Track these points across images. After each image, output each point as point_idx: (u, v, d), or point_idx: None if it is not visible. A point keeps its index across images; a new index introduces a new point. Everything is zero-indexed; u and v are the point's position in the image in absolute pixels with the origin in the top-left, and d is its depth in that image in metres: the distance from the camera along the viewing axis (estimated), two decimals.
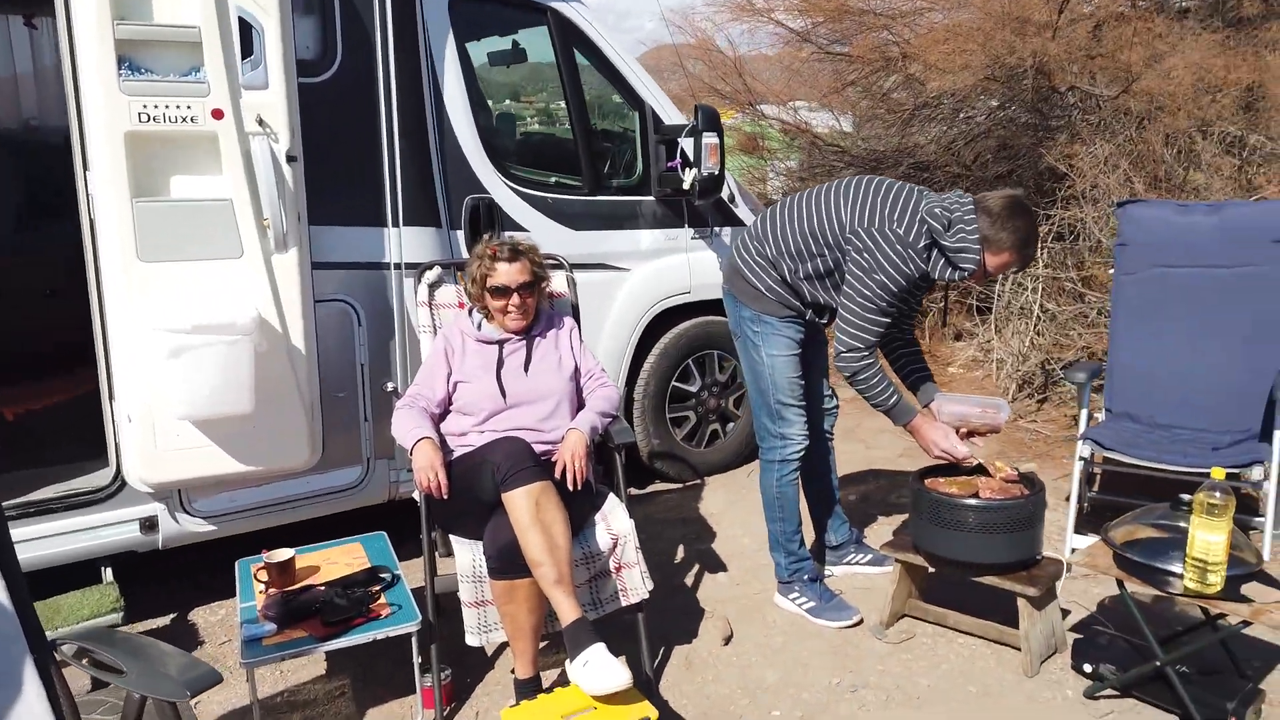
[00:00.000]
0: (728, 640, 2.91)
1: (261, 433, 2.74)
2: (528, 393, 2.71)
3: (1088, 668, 2.56)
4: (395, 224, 3.26)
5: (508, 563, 2.37)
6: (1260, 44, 5.11)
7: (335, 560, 2.79)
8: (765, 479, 3.01)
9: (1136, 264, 3.61)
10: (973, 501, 2.61)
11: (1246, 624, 2.22)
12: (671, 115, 4.14)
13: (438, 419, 2.70)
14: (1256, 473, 2.95)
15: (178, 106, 2.54)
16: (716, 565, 3.45)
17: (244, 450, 2.76)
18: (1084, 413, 3.48)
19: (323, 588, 2.56)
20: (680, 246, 4.18)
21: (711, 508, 4.01)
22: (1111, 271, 3.88)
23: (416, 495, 2.62)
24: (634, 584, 2.61)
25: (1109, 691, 2.50)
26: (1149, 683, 2.43)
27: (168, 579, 3.29)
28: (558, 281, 3.08)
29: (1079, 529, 3.31)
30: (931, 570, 2.79)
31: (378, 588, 2.58)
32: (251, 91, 2.61)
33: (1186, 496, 2.51)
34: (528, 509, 2.33)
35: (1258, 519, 3.16)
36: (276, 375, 2.71)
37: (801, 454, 2.95)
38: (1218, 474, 2.26)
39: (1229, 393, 3.39)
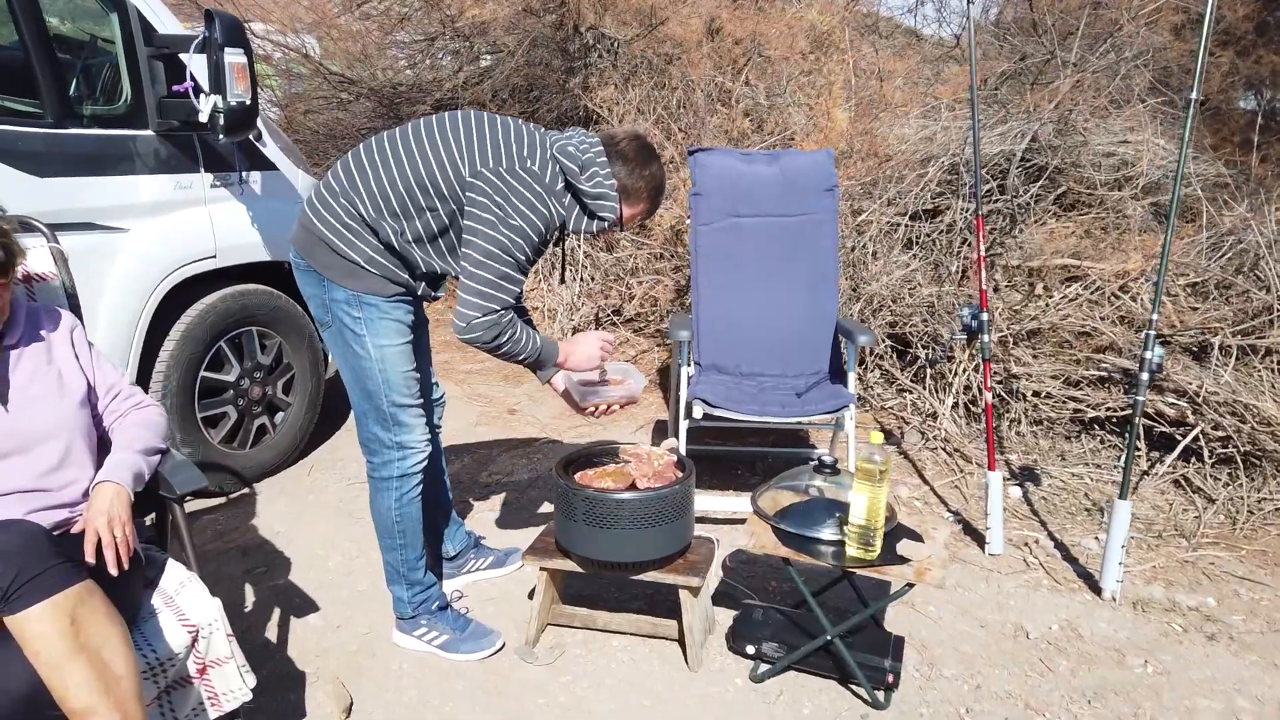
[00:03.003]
0: (349, 710, 2.28)
1: None
2: (15, 436, 1.77)
3: (750, 649, 2.44)
4: None
5: (25, 717, 1.49)
6: None
7: None
8: (380, 501, 2.37)
9: (712, 214, 3.59)
10: (633, 496, 2.29)
11: (910, 586, 2.23)
12: (166, 23, 3.12)
13: None
14: (847, 416, 3.09)
15: None
16: (305, 605, 2.74)
17: None
18: (685, 371, 3.39)
19: None
20: (197, 197, 3.23)
21: (276, 524, 3.23)
22: (687, 222, 3.84)
23: None
24: (229, 685, 1.86)
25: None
26: (809, 654, 2.38)
27: None
28: (38, 258, 2.08)
29: None
30: (582, 573, 2.46)
31: None
32: None
33: (829, 458, 2.49)
34: (61, 633, 1.47)
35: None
36: None
37: (425, 464, 2.37)
38: (876, 438, 2.22)
39: (800, 338, 3.55)
